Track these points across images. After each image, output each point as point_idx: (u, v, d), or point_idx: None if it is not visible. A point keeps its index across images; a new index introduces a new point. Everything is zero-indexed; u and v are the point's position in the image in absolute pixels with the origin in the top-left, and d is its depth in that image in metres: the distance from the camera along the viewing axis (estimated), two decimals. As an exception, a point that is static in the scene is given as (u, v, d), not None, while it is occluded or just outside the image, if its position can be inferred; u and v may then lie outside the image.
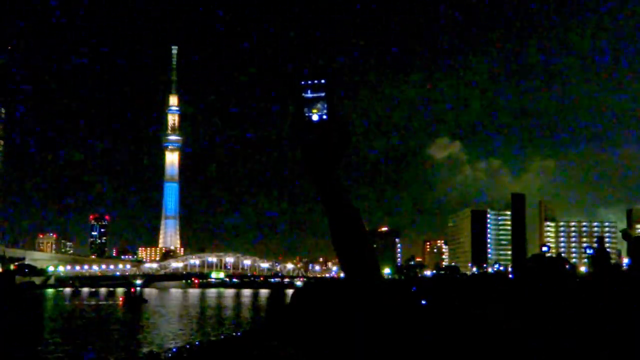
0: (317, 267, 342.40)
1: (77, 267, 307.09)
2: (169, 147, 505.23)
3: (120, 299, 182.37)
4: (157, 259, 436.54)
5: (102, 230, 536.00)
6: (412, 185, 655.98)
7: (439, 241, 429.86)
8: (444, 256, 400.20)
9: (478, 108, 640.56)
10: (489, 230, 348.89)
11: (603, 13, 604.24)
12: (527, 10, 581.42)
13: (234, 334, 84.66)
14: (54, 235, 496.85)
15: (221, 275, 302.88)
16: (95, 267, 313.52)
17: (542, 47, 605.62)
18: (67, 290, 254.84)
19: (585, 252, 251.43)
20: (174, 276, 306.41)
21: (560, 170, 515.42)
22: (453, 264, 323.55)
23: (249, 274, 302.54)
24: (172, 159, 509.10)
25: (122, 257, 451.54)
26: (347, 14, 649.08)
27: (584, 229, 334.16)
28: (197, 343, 75.09)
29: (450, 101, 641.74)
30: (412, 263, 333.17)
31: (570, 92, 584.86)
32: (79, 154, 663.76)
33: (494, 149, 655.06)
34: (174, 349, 71.15)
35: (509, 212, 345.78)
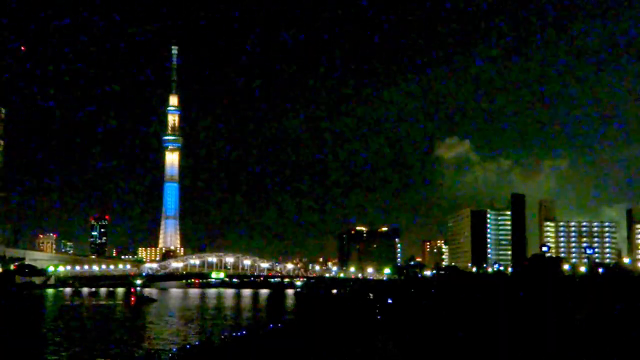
0: (317, 267, 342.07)
1: (77, 267, 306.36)
2: (169, 147, 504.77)
3: (132, 298, 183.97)
4: (157, 259, 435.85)
5: (102, 230, 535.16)
6: (415, 185, 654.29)
7: (439, 241, 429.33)
8: (444, 256, 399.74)
9: (487, 108, 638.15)
10: (489, 230, 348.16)
11: (609, 16, 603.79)
12: (535, 11, 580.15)
13: (235, 334, 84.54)
14: (54, 235, 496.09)
15: (221, 275, 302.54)
16: (95, 267, 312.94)
17: (544, 49, 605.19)
18: (67, 290, 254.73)
19: (585, 252, 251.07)
20: (174, 276, 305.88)
21: (571, 171, 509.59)
22: (453, 264, 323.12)
23: (249, 274, 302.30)
24: (172, 159, 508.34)
25: (122, 257, 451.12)
26: (347, 14, 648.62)
27: (584, 229, 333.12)
28: (197, 343, 75.08)
29: (457, 101, 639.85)
30: (412, 263, 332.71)
31: (571, 90, 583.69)
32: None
33: (503, 149, 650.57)
34: (174, 349, 71.11)
35: (509, 212, 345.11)
